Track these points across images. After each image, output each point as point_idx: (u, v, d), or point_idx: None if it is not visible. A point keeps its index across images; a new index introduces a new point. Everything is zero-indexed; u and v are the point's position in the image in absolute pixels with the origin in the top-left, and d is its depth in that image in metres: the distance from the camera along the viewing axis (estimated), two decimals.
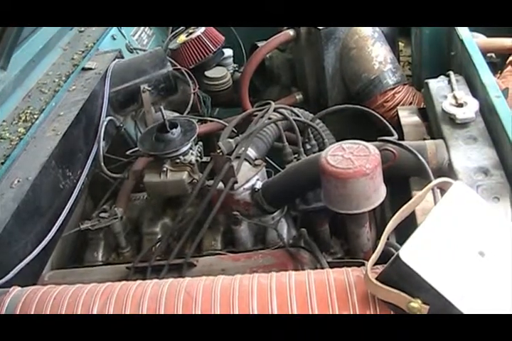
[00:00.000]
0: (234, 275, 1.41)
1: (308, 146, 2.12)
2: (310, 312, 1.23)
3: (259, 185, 1.92)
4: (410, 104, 2.56)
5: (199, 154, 2.12)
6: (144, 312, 1.31)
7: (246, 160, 1.99)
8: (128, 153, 2.32)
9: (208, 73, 2.96)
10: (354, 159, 1.60)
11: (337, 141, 1.75)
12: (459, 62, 2.38)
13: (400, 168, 1.76)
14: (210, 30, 2.95)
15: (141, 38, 3.14)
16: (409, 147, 1.76)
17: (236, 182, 1.89)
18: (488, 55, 2.63)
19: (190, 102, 2.64)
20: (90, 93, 2.26)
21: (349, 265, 1.40)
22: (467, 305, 1.12)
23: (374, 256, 1.25)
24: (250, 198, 1.91)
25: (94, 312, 1.32)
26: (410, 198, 1.40)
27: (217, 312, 1.28)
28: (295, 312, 1.24)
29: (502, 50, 2.61)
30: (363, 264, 1.27)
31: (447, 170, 1.79)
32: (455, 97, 2.02)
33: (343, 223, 1.74)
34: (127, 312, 1.31)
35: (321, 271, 1.34)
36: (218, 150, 1.97)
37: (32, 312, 1.34)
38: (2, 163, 1.85)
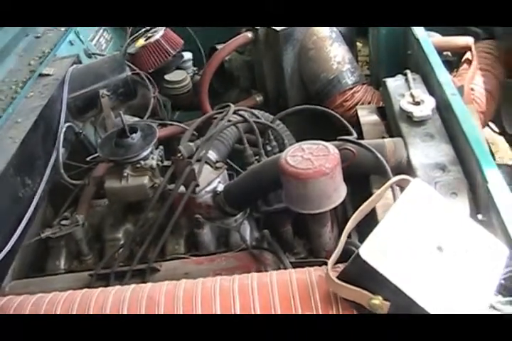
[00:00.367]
0: (197, 278, 1.41)
1: (268, 148, 2.12)
2: (273, 312, 1.24)
3: (220, 188, 1.91)
4: (369, 103, 2.58)
5: (160, 158, 2.10)
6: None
7: (207, 163, 1.98)
8: (88, 159, 2.29)
9: (167, 77, 2.95)
10: (314, 159, 1.60)
11: (297, 141, 1.75)
12: (416, 60, 2.41)
13: (360, 166, 1.78)
14: (169, 34, 2.94)
15: (100, 42, 3.11)
16: (368, 146, 1.77)
17: (197, 185, 1.88)
18: (444, 53, 2.66)
19: (150, 106, 2.62)
20: (48, 99, 2.23)
21: (312, 265, 1.41)
22: (427, 300, 1.13)
23: (334, 255, 1.26)
24: (212, 201, 1.91)
25: None
26: (370, 196, 1.42)
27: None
28: (258, 313, 1.24)
29: (457, 49, 2.66)
30: (326, 263, 1.27)
31: (406, 168, 1.81)
32: (412, 95, 2.04)
33: (305, 223, 1.75)
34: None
35: (284, 272, 1.35)
36: (179, 154, 1.96)
37: None
38: None
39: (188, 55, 3.09)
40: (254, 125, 2.12)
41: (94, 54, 2.89)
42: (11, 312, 1.37)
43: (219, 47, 2.84)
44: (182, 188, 1.90)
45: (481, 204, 1.67)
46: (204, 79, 2.79)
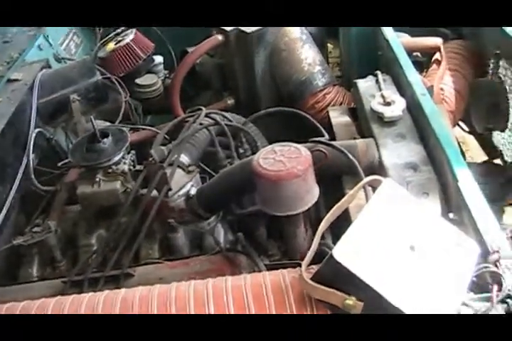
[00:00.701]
0: (171, 283, 1.40)
1: (241, 150, 2.12)
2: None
3: (193, 191, 1.91)
4: (341, 104, 2.59)
5: (132, 163, 2.09)
6: None
7: (179, 166, 1.98)
8: (59, 164, 2.27)
9: (138, 81, 2.94)
10: (286, 161, 1.61)
11: (270, 143, 1.76)
12: (386, 61, 2.43)
13: (332, 167, 1.79)
14: (139, 38, 2.92)
15: (69, 47, 3.08)
16: (339, 147, 1.78)
17: (170, 189, 1.87)
18: (414, 54, 2.69)
19: (122, 111, 2.60)
20: (17, 105, 2.20)
21: (286, 266, 1.41)
22: (400, 299, 1.14)
23: (308, 257, 1.26)
24: (185, 205, 1.90)
25: None
26: (343, 197, 1.42)
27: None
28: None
29: (426, 49, 2.68)
30: (300, 265, 1.27)
31: (378, 168, 1.83)
32: (383, 96, 2.06)
33: (279, 225, 1.75)
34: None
35: (257, 274, 1.35)
36: (150, 158, 1.95)
37: None
38: None
39: (158, 59, 3.08)
40: (226, 128, 2.11)
41: (63, 58, 2.87)
42: None
43: (190, 50, 2.84)
44: (155, 192, 1.89)
45: (453, 203, 1.69)
46: (175, 82, 2.78)
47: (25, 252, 2.05)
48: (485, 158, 2.65)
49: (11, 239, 2.01)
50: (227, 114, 2.24)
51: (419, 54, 2.73)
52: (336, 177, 1.88)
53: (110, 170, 2.00)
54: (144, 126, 2.61)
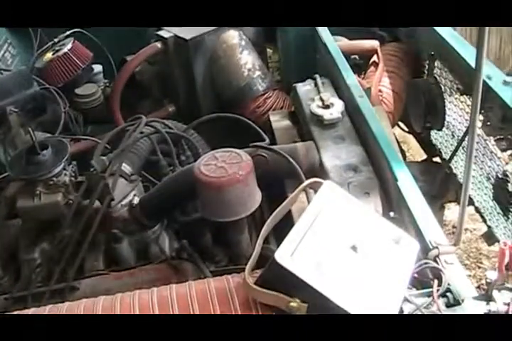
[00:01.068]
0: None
1: (183, 158, 2.11)
2: None
3: (136, 201, 1.89)
4: (281, 108, 2.61)
5: (73, 174, 2.05)
6: None
7: (121, 176, 1.95)
8: None
9: (78, 90, 2.88)
10: (227, 167, 1.61)
11: (212, 150, 1.76)
12: (324, 64, 2.46)
13: (274, 171, 1.80)
14: (78, 47, 2.88)
15: (5, 57, 3.01)
16: (280, 151, 1.79)
17: (112, 199, 1.85)
18: (352, 57, 2.73)
19: (62, 121, 2.55)
20: None
21: (232, 272, 1.41)
22: (344, 299, 1.16)
23: (251, 261, 1.26)
24: (128, 214, 1.88)
25: None
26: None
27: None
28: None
29: (363, 52, 2.73)
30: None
31: (319, 170, 1.85)
32: (321, 99, 2.09)
33: (223, 231, 1.75)
34: None
35: (202, 281, 1.34)
36: (92, 169, 1.93)
37: None
38: None
39: (98, 68, 3.03)
40: (167, 135, 2.10)
41: None
42: None
43: (129, 58, 2.81)
44: (97, 203, 1.86)
45: (393, 202, 1.72)
46: (115, 91, 2.75)
47: None
48: (425, 156, 2.71)
49: None
50: (167, 122, 2.23)
51: (356, 57, 2.77)
52: (278, 182, 1.89)
53: (51, 183, 1.96)
54: (84, 137, 2.57)
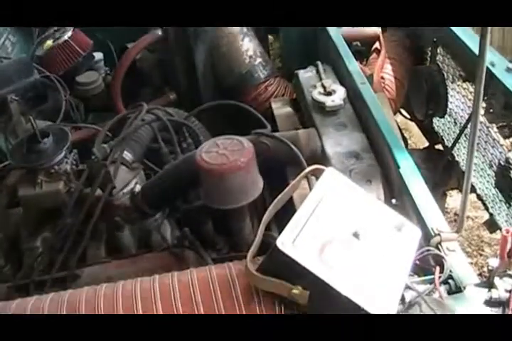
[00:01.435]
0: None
1: (184, 145, 2.10)
2: (195, 309, 1.23)
3: (138, 189, 1.89)
4: (283, 95, 2.59)
5: (74, 162, 2.05)
6: None
7: (123, 164, 1.95)
8: None
9: (78, 78, 2.88)
10: (228, 154, 1.61)
11: (213, 137, 1.75)
12: (326, 51, 2.45)
13: (275, 159, 1.79)
14: (78, 35, 2.86)
15: (5, 45, 2.99)
16: (281, 138, 1.79)
17: (114, 187, 1.85)
18: (354, 43, 2.71)
19: (62, 110, 2.54)
20: None
21: (234, 260, 1.41)
22: (344, 285, 1.15)
23: (253, 248, 1.26)
24: (130, 202, 1.88)
25: None
26: None
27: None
28: (181, 312, 1.23)
29: (365, 39, 2.71)
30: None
31: (321, 157, 1.84)
32: (323, 86, 2.08)
33: (225, 219, 1.74)
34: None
35: (204, 268, 1.34)
36: (93, 157, 1.92)
37: None
38: None
39: (98, 56, 3.02)
40: (168, 123, 2.09)
41: None
42: None
43: (129, 46, 2.80)
44: (99, 191, 1.86)
45: (395, 189, 1.72)
46: (116, 79, 2.74)
47: None
48: (427, 143, 2.70)
49: None
50: (169, 109, 2.22)
51: (358, 43, 2.75)
52: (280, 169, 1.89)
53: (52, 171, 1.96)
54: (85, 125, 2.57)
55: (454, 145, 2.26)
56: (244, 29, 2.70)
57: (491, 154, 2.09)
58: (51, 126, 2.29)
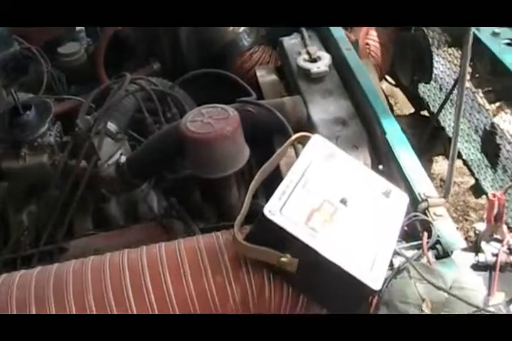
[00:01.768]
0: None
1: (169, 115, 2.08)
2: (184, 280, 1.22)
3: (123, 160, 1.87)
4: (268, 63, 2.56)
5: (58, 134, 2.02)
6: (14, 304, 1.25)
7: (107, 135, 1.92)
8: None
9: (60, 49, 2.82)
10: (214, 123, 1.59)
11: (199, 106, 1.73)
12: None
13: (261, 126, 1.78)
14: None
15: None
16: (267, 105, 1.77)
17: (99, 158, 1.83)
18: None
19: (44, 81, 2.49)
20: None
21: (222, 229, 1.40)
22: (333, 252, 1.15)
23: (240, 217, 1.25)
24: (116, 174, 1.86)
25: None
26: None
27: (90, 294, 1.24)
28: (169, 282, 1.22)
29: None
30: None
31: (307, 125, 1.83)
32: (308, 53, 2.05)
33: (212, 188, 1.74)
34: None
35: (191, 238, 1.33)
36: (77, 129, 1.90)
37: None
38: None
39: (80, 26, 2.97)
40: (152, 93, 2.06)
41: None
42: None
43: None
44: (84, 163, 1.84)
45: (382, 155, 1.71)
46: (99, 49, 2.70)
47: None
48: (413, 110, 2.69)
49: None
50: (153, 79, 2.18)
51: None
52: (266, 137, 1.87)
53: (36, 144, 1.93)
54: (68, 96, 2.52)
55: (439, 111, 2.26)
56: None
57: (477, 119, 2.09)
58: (33, 99, 2.25)
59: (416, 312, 1.17)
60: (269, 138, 1.85)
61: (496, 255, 1.28)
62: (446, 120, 2.30)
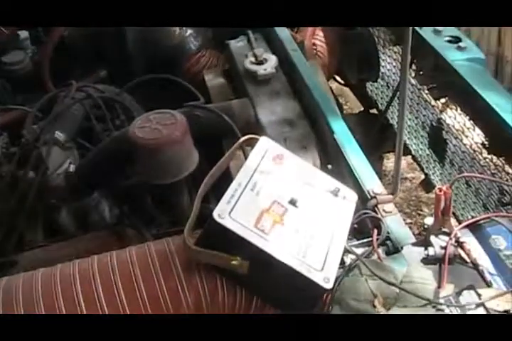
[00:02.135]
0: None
1: (117, 122, 2.06)
2: (136, 288, 1.21)
3: (72, 168, 1.85)
4: (215, 66, 2.56)
5: (5, 145, 1.99)
6: None
7: (55, 144, 1.90)
8: None
9: (4, 58, 2.77)
10: (162, 128, 1.59)
11: (148, 112, 1.72)
12: None
13: (209, 130, 1.78)
14: None
15: None
16: (214, 109, 1.77)
17: (47, 168, 1.80)
18: None
19: None
20: None
21: (174, 234, 1.39)
22: (283, 253, 1.16)
23: (190, 221, 1.25)
24: (65, 183, 1.84)
25: None
26: None
27: (41, 307, 1.21)
28: (121, 292, 1.21)
29: None
30: None
31: (255, 127, 1.83)
32: (255, 55, 2.06)
33: (163, 194, 1.73)
34: None
35: (142, 245, 1.32)
36: (23, 139, 1.87)
37: None
38: None
39: (24, 34, 2.91)
40: (99, 100, 2.05)
41: None
42: None
43: None
44: (32, 174, 1.81)
45: (331, 154, 1.73)
46: (44, 58, 2.65)
47: None
48: (362, 108, 2.72)
49: None
50: (99, 86, 2.17)
51: None
52: (216, 140, 1.87)
53: None
54: (14, 106, 2.48)
55: (387, 108, 2.29)
56: None
57: (424, 116, 2.12)
58: None
59: (368, 308, 1.19)
60: (219, 141, 1.86)
61: (445, 248, 1.29)
62: (395, 117, 2.33)
